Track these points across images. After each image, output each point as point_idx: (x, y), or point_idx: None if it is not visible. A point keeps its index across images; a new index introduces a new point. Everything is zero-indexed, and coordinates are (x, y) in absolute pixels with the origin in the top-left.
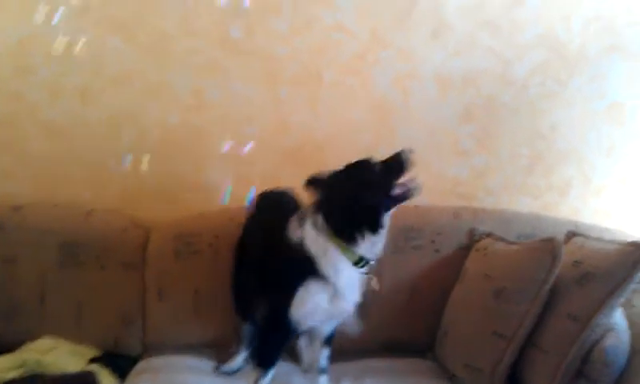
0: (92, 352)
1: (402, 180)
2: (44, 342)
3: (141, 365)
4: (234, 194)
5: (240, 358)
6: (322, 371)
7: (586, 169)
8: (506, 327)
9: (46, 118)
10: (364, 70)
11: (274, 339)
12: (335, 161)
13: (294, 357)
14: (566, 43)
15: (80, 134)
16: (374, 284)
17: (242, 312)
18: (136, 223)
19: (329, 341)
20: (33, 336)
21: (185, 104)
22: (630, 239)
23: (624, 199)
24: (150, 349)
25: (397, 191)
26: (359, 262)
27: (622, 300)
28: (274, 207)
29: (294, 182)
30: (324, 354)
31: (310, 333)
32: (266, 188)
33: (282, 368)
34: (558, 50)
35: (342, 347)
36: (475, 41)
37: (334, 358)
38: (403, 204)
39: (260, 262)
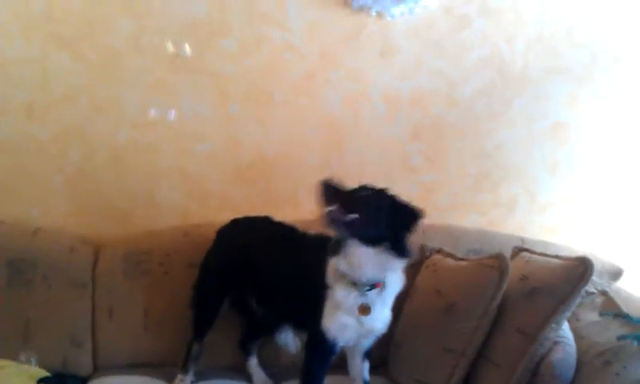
0: (40, 372)
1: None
2: None
3: None
4: (185, 211)
5: (188, 378)
6: None
7: (530, 186)
8: (457, 343)
9: None
10: (314, 89)
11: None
12: (286, 178)
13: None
14: (510, 64)
15: (27, 151)
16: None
17: (200, 329)
18: (85, 241)
19: (368, 354)
20: None
21: (134, 121)
22: (574, 254)
23: (569, 215)
24: (100, 368)
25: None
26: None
27: (568, 314)
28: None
29: (243, 198)
30: (365, 366)
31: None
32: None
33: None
34: (502, 70)
35: (285, 367)
36: (422, 62)
37: (278, 377)
38: None
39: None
